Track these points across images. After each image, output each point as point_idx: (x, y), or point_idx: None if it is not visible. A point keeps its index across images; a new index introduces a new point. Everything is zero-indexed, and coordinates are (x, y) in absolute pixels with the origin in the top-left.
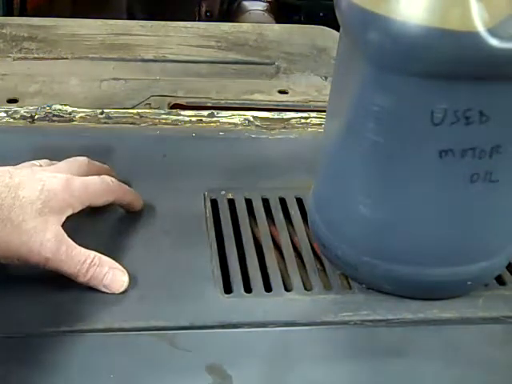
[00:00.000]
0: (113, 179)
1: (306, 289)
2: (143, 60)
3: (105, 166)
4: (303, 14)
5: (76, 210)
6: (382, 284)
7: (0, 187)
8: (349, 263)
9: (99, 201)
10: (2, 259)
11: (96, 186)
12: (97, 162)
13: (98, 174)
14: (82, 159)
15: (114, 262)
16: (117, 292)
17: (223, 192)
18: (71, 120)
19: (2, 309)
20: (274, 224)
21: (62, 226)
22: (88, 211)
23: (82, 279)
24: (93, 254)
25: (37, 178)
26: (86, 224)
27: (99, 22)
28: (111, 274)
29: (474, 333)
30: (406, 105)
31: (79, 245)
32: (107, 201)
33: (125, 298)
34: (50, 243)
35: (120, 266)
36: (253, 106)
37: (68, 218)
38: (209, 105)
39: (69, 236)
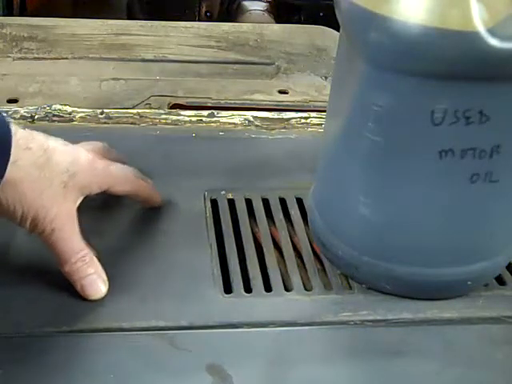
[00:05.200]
0: (135, 170)
1: (306, 289)
2: (143, 60)
3: (121, 155)
4: (303, 14)
5: (93, 193)
6: (382, 284)
7: (36, 146)
8: (349, 263)
9: (117, 188)
10: (10, 211)
11: (118, 173)
12: (114, 150)
13: (116, 161)
14: (100, 144)
15: (102, 269)
16: (89, 297)
17: (223, 192)
18: (71, 120)
19: (2, 309)
20: (274, 224)
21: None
22: (88, 210)
23: (66, 268)
24: (88, 250)
25: (69, 150)
26: (87, 223)
27: (99, 22)
28: (93, 278)
29: (474, 333)
30: (406, 105)
31: None
32: (125, 190)
33: (125, 298)
34: (61, 218)
35: (105, 276)
36: (253, 106)
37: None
38: (209, 105)
39: None
